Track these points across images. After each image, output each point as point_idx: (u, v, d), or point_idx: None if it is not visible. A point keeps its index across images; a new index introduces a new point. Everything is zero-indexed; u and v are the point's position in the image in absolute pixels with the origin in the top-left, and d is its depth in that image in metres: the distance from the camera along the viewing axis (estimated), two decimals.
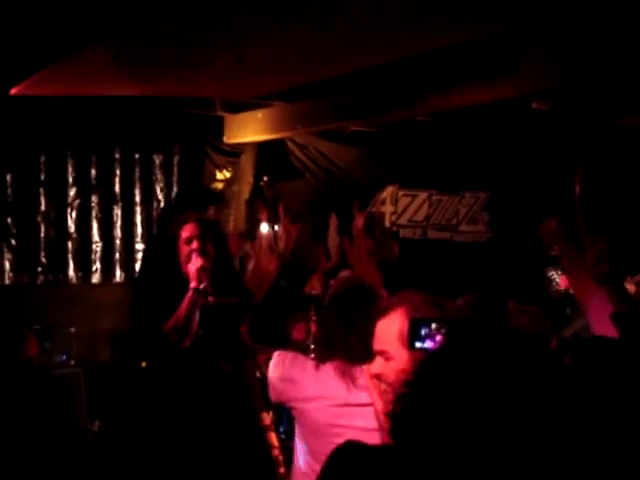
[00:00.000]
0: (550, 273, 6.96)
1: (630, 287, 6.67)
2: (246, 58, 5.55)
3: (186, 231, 4.79)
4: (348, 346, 3.56)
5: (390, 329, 2.78)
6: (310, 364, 3.57)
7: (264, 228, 7.18)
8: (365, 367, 3.53)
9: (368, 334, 3.60)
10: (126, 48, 5.52)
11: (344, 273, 6.64)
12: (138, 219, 8.01)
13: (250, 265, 6.36)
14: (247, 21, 4.98)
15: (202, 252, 4.73)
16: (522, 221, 9.32)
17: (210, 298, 4.69)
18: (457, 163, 9.22)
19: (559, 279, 6.90)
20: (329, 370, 3.45)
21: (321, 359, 3.57)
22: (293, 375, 3.55)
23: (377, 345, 2.83)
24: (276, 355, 3.70)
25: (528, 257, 7.25)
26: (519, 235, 9.21)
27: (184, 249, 4.75)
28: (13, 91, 6.22)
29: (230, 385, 2.87)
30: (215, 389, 2.85)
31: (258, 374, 5.40)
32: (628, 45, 5.00)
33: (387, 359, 2.77)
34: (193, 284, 4.66)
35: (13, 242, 7.53)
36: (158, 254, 5.01)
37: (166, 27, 5.09)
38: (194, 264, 4.66)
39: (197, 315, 4.67)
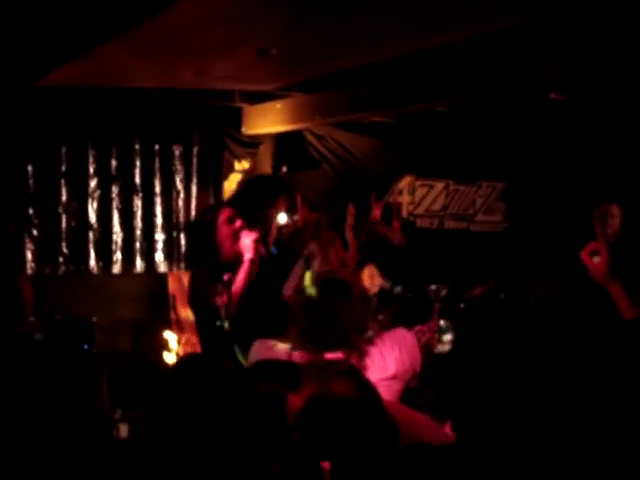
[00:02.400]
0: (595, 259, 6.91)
1: None
2: (269, 51, 5.59)
3: (225, 213, 4.97)
4: (316, 337, 3.67)
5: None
6: (283, 351, 3.67)
7: (282, 218, 7.28)
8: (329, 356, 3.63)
9: (338, 327, 3.72)
10: (148, 40, 5.56)
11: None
12: (158, 210, 8.05)
13: (315, 264, 6.43)
14: (268, 14, 5.03)
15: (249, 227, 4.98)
16: (539, 211, 9.35)
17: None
18: (474, 153, 9.23)
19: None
20: (298, 358, 3.55)
21: (292, 347, 3.66)
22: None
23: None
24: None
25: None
26: (536, 225, 9.25)
27: (225, 229, 4.93)
28: (39, 83, 6.28)
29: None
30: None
31: None
32: None
33: None
34: (249, 256, 4.84)
35: (35, 233, 7.58)
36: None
37: (188, 20, 5.13)
38: (248, 237, 4.85)
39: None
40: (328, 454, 2.70)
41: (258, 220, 5.43)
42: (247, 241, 4.90)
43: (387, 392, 3.55)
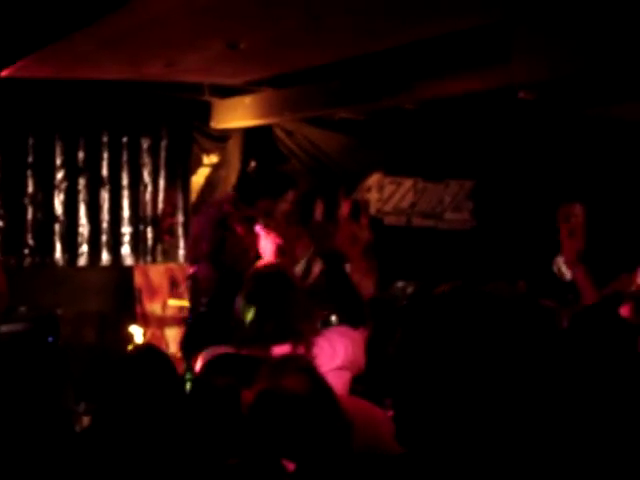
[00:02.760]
0: (559, 257, 6.93)
1: None
2: (238, 45, 5.57)
3: (239, 212, 4.99)
4: (263, 332, 3.66)
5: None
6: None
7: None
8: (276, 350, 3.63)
9: (284, 318, 3.72)
10: (116, 32, 5.53)
11: None
12: (125, 203, 8.01)
13: (316, 268, 6.40)
14: (239, 7, 5.01)
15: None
16: (506, 209, 9.37)
17: None
18: (442, 151, 9.24)
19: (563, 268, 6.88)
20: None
21: (239, 345, 3.65)
22: None
23: None
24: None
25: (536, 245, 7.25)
26: (503, 223, 9.27)
27: (241, 229, 4.92)
28: (3, 73, 6.23)
29: None
30: None
31: None
32: (618, 36, 5.05)
33: None
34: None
35: (0, 224, 7.53)
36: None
37: (156, 12, 5.11)
38: (274, 240, 4.85)
39: None
40: (281, 449, 2.68)
41: (265, 211, 5.36)
42: (267, 245, 4.89)
43: (338, 382, 3.55)
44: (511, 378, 1.66)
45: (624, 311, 3.86)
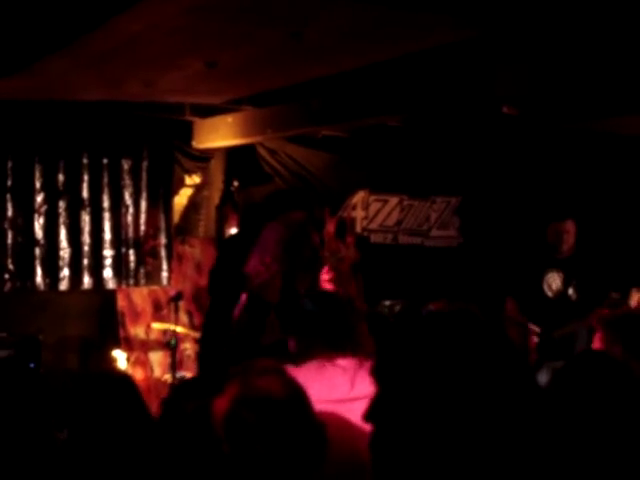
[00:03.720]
0: (549, 275, 6.90)
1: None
2: (217, 63, 5.50)
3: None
4: (337, 338, 3.61)
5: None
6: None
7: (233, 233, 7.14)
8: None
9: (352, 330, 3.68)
10: (93, 53, 5.46)
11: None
12: (106, 225, 7.91)
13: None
14: (216, 26, 4.94)
15: None
16: (492, 226, 9.32)
17: None
18: (428, 168, 9.19)
19: (559, 281, 6.85)
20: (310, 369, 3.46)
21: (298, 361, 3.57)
22: None
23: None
24: None
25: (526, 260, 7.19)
26: (490, 240, 9.21)
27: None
28: None
29: None
30: None
31: None
32: (601, 51, 5.01)
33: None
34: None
35: None
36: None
37: (134, 31, 5.04)
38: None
39: None
40: (257, 459, 2.58)
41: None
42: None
43: None
44: (489, 405, 1.61)
45: (596, 341, 3.82)
